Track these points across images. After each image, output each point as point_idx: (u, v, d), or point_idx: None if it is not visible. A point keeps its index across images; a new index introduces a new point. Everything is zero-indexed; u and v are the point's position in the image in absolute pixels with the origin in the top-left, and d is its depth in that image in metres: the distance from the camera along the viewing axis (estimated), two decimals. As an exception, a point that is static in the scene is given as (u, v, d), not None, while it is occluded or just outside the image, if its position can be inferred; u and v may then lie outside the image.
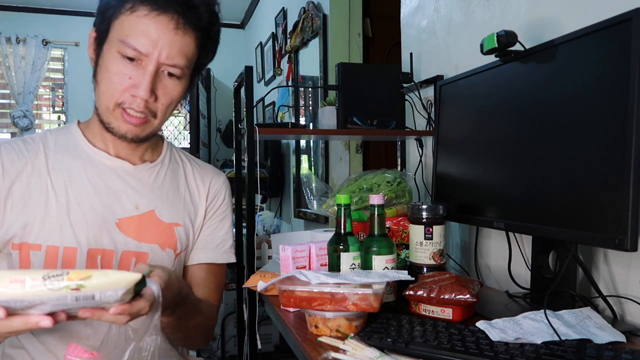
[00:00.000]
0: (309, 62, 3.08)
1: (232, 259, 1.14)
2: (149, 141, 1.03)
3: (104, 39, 0.93)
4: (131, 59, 0.90)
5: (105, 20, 0.93)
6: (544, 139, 1.00)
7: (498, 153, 1.14)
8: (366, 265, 1.07)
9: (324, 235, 1.33)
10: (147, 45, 0.89)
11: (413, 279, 1.01)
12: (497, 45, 1.09)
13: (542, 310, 0.86)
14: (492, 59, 1.16)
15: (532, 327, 0.84)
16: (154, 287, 0.72)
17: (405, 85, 1.70)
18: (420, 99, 1.70)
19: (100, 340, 0.91)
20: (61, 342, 0.94)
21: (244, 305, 1.68)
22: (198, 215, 1.09)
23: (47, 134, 1.02)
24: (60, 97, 4.81)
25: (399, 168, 1.88)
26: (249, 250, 1.57)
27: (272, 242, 1.73)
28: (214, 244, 1.11)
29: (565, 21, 1.14)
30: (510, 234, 1.26)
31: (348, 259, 1.05)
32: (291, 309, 1.06)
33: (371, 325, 0.90)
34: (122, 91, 0.91)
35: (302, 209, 3.18)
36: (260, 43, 4.30)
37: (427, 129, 1.68)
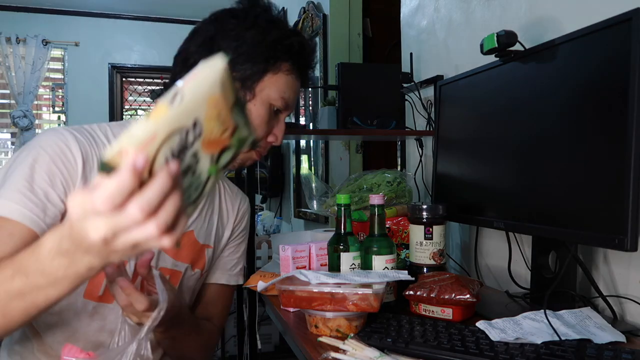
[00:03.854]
0: (309, 62, 3.07)
1: (241, 281, 1.15)
2: None
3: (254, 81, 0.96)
4: (277, 111, 0.96)
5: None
6: (544, 139, 1.00)
7: (498, 153, 1.14)
8: (366, 265, 1.07)
9: (324, 235, 1.33)
10: (293, 100, 0.98)
11: (413, 279, 1.01)
12: (497, 45, 1.09)
13: (542, 310, 0.86)
14: (492, 59, 1.16)
15: (532, 327, 0.84)
16: (162, 299, 0.73)
17: (405, 85, 1.71)
18: (420, 99, 1.70)
19: (106, 336, 0.91)
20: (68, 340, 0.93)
21: (244, 305, 1.69)
22: (224, 237, 1.10)
23: (107, 129, 0.95)
24: (60, 97, 4.80)
25: (399, 168, 1.88)
26: (249, 250, 1.57)
27: (272, 242, 1.73)
28: (229, 266, 1.12)
29: (565, 21, 1.13)
30: (510, 234, 1.26)
31: (348, 259, 1.05)
32: (291, 309, 1.06)
33: (371, 325, 0.89)
34: (261, 138, 0.98)
35: (302, 209, 3.18)
36: (260, 43, 4.29)
37: (427, 129, 1.68)
